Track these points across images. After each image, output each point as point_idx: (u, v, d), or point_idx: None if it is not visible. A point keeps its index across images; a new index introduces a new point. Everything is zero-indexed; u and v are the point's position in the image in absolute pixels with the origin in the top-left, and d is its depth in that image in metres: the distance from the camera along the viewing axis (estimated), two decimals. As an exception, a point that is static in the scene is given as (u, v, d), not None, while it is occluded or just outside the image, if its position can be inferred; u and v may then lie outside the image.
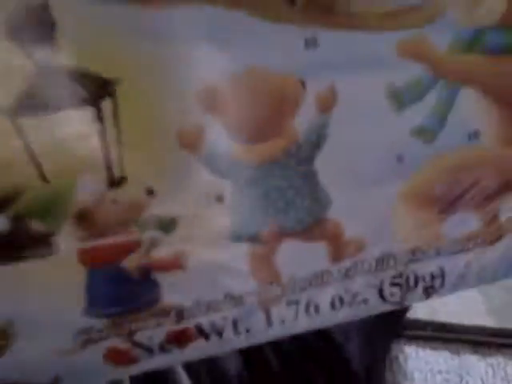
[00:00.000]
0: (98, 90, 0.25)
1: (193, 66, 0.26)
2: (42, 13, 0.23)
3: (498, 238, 0.36)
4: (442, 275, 0.37)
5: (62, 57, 0.24)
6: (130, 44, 0.25)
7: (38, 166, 0.26)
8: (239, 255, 0.32)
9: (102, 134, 0.26)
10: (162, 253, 0.31)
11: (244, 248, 0.32)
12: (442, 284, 0.37)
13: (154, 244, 0.29)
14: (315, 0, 0.27)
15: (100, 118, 0.25)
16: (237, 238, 0.31)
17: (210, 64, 0.26)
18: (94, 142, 0.26)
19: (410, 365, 0.61)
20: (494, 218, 0.35)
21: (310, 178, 0.31)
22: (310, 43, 0.27)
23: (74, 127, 0.26)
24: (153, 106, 0.27)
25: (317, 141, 0.30)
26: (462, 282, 0.38)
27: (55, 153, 0.26)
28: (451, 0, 0.28)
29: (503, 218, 0.36)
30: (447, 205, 0.34)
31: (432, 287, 0.37)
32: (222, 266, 0.32)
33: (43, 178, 0.26)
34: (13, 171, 0.26)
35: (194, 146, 0.28)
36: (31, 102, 0.25)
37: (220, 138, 0.29)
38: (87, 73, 0.25)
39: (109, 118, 0.26)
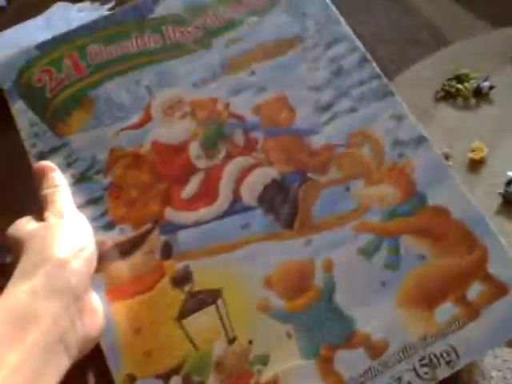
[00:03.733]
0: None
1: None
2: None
3: (476, 314, 0.48)
4: (454, 350, 0.47)
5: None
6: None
7: (192, 341, 0.47)
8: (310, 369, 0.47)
9: (221, 317, 0.48)
10: (263, 380, 0.47)
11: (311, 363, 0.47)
12: (457, 356, 0.47)
13: (260, 372, 0.47)
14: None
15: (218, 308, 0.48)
16: (307, 357, 0.49)
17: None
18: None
19: (486, 364, 0.58)
20: (463, 299, 0.48)
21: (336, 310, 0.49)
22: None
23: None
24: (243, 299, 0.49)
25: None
26: (470, 352, 0.48)
27: (204, 333, 0.48)
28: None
29: (470, 297, 0.49)
30: (432, 301, 0.49)
31: (451, 361, 0.47)
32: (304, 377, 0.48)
33: (196, 348, 0.47)
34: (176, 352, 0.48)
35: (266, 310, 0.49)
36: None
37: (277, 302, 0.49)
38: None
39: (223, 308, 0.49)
